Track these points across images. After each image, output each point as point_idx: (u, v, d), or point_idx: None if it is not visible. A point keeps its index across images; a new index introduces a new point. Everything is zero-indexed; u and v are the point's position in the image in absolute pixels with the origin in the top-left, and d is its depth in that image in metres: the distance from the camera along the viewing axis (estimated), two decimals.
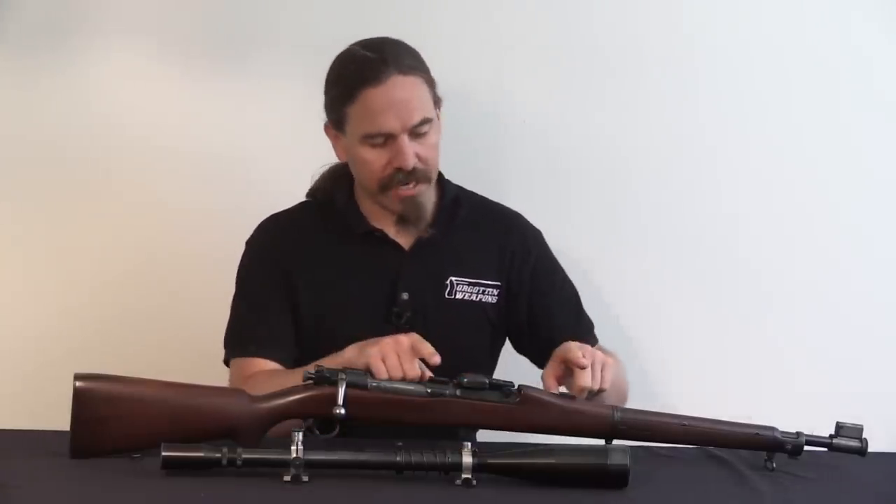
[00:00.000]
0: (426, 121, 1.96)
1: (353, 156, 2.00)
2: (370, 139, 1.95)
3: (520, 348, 2.15)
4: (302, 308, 2.03)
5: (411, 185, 1.98)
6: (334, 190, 2.09)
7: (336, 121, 2.01)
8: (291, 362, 1.98)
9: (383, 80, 1.93)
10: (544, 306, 2.10)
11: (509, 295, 2.09)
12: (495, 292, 2.08)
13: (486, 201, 2.16)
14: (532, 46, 2.48)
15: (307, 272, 2.03)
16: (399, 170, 1.95)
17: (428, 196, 2.02)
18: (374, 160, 1.97)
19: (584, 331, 2.12)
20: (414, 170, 1.96)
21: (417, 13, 2.45)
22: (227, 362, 2.04)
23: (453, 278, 2.05)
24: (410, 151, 1.94)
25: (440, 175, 2.09)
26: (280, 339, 2.01)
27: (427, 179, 1.99)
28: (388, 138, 1.95)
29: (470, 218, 2.10)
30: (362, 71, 1.95)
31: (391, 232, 2.05)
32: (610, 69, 2.49)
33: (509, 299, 2.09)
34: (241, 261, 2.08)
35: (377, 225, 2.05)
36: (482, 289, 2.07)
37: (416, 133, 1.95)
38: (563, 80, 2.49)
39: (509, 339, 2.16)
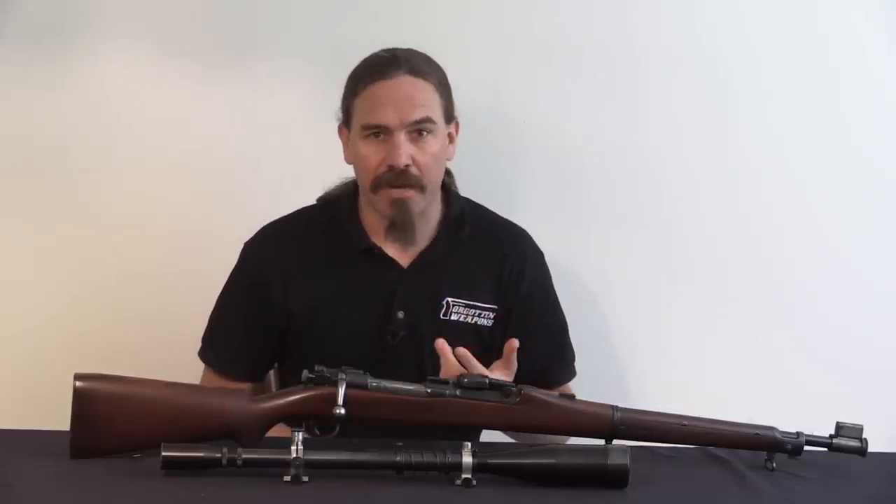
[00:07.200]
0: (426, 121, 1.95)
1: (353, 152, 2.00)
2: (368, 130, 1.96)
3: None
4: (293, 322, 2.03)
5: (403, 188, 1.95)
6: (340, 202, 2.08)
7: (346, 117, 2.02)
8: (247, 378, 2.03)
9: (390, 75, 1.96)
10: (528, 332, 2.05)
11: (503, 317, 2.07)
12: (491, 315, 2.06)
13: (491, 218, 2.14)
14: (533, 46, 2.47)
15: (301, 286, 2.03)
16: (391, 168, 1.94)
17: (421, 207, 1.98)
18: (370, 155, 1.96)
19: (564, 364, 2.12)
20: (407, 171, 1.94)
21: (419, 13, 2.45)
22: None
23: (450, 299, 2.03)
24: (404, 149, 1.93)
25: (449, 190, 2.09)
26: (236, 359, 2.05)
27: (420, 187, 1.96)
28: (386, 133, 1.95)
29: (473, 237, 2.08)
30: (373, 66, 1.98)
31: (390, 249, 2.04)
32: (612, 68, 2.49)
33: (503, 322, 2.07)
34: (236, 264, 2.10)
35: (377, 241, 2.04)
36: (478, 311, 2.05)
37: (414, 133, 1.95)
38: (565, 80, 2.49)
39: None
